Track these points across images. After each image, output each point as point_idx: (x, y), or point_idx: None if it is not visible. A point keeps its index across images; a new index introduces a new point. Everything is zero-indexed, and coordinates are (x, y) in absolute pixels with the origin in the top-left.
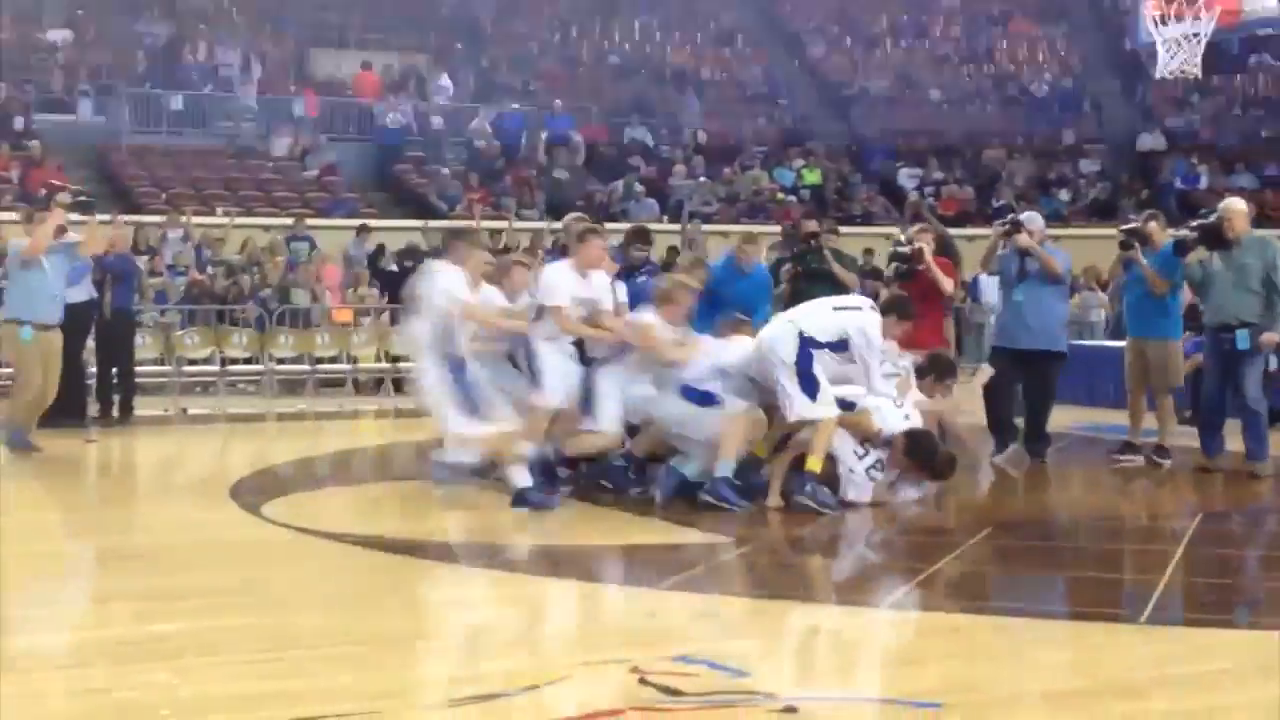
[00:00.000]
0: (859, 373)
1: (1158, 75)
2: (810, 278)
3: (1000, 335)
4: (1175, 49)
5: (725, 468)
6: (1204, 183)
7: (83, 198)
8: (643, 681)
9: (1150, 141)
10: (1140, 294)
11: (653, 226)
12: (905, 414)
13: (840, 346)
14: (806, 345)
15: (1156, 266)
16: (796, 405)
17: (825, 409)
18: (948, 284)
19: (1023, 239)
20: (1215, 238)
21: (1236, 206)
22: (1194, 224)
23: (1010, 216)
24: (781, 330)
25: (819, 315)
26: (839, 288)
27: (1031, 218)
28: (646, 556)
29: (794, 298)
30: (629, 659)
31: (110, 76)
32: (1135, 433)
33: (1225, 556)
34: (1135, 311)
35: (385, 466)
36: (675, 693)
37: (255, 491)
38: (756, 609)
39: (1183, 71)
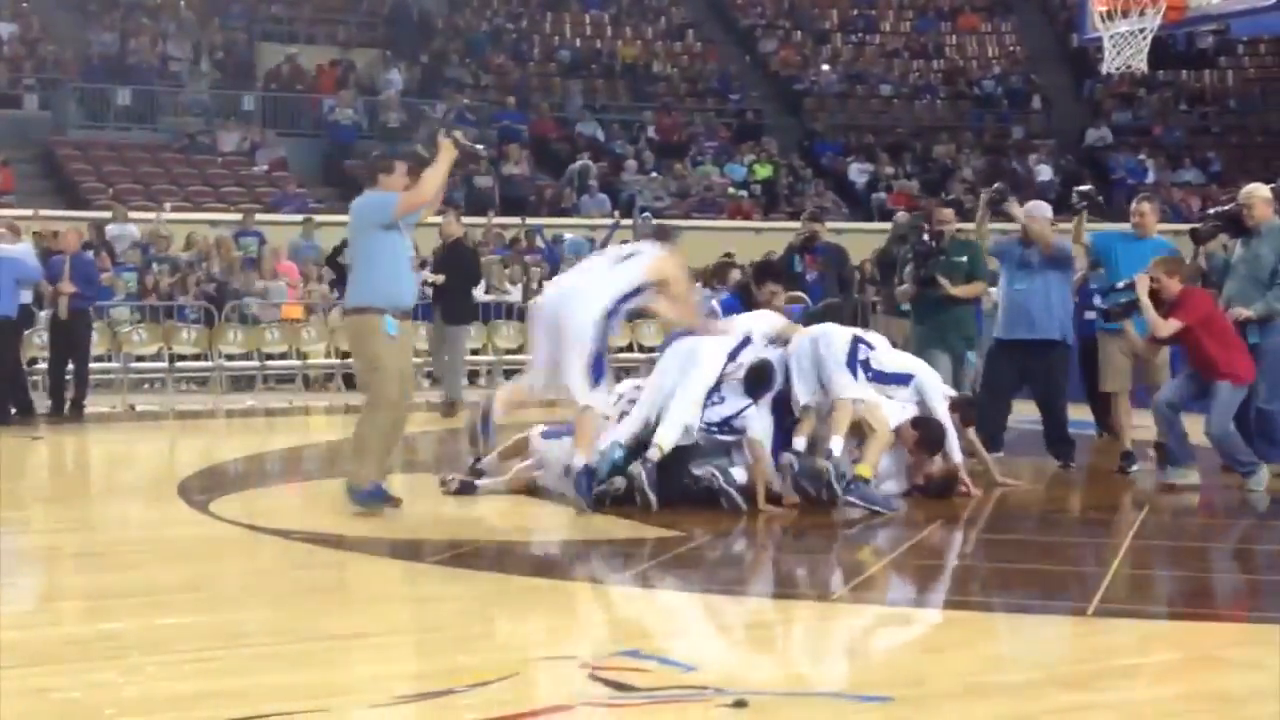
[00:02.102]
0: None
1: (1104, 71)
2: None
3: (1002, 327)
4: (1122, 44)
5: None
6: (1151, 177)
7: None
8: (593, 677)
9: (1098, 136)
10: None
11: (604, 223)
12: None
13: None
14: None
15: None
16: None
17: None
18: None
19: (1014, 209)
20: (1235, 224)
21: (1258, 192)
22: (1213, 210)
23: (998, 185)
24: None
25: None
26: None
27: (1038, 205)
28: (597, 551)
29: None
30: (579, 655)
31: (57, 70)
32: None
33: (1173, 548)
34: None
35: (335, 463)
36: (626, 688)
37: (203, 489)
38: (707, 603)
39: (1129, 67)
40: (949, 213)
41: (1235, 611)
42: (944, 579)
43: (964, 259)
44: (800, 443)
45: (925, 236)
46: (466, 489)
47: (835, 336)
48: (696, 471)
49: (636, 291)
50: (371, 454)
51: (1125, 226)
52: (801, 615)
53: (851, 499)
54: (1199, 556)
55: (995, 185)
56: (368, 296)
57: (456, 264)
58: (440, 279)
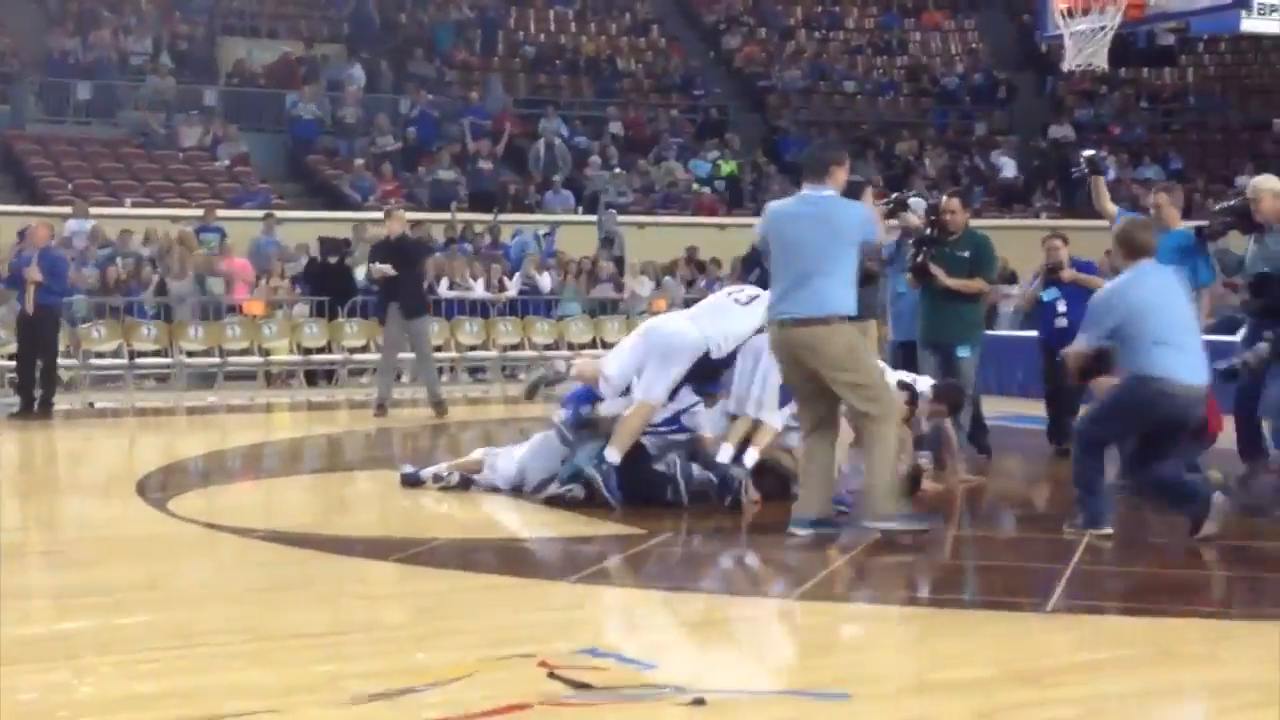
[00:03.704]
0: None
1: (1065, 68)
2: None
3: (896, 329)
4: (1082, 42)
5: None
6: (1111, 174)
7: None
8: (551, 675)
9: (1060, 133)
10: None
11: (568, 218)
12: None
13: None
14: None
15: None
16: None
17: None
18: None
19: (911, 219)
20: (1244, 220)
21: (1265, 184)
22: (1219, 207)
23: (895, 196)
24: None
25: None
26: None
27: (916, 202)
28: (556, 549)
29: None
30: (537, 653)
31: (16, 65)
32: None
33: (1129, 544)
34: None
35: (296, 460)
36: (583, 686)
37: (162, 486)
38: (666, 601)
39: (1089, 65)
40: (955, 202)
41: (1193, 607)
42: (902, 576)
43: (966, 253)
44: (726, 450)
45: (930, 225)
46: (465, 484)
47: None
48: (658, 467)
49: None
50: (889, 473)
51: (1097, 222)
52: (760, 613)
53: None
54: (1157, 552)
55: (893, 196)
56: (839, 305)
57: (405, 257)
58: (390, 270)
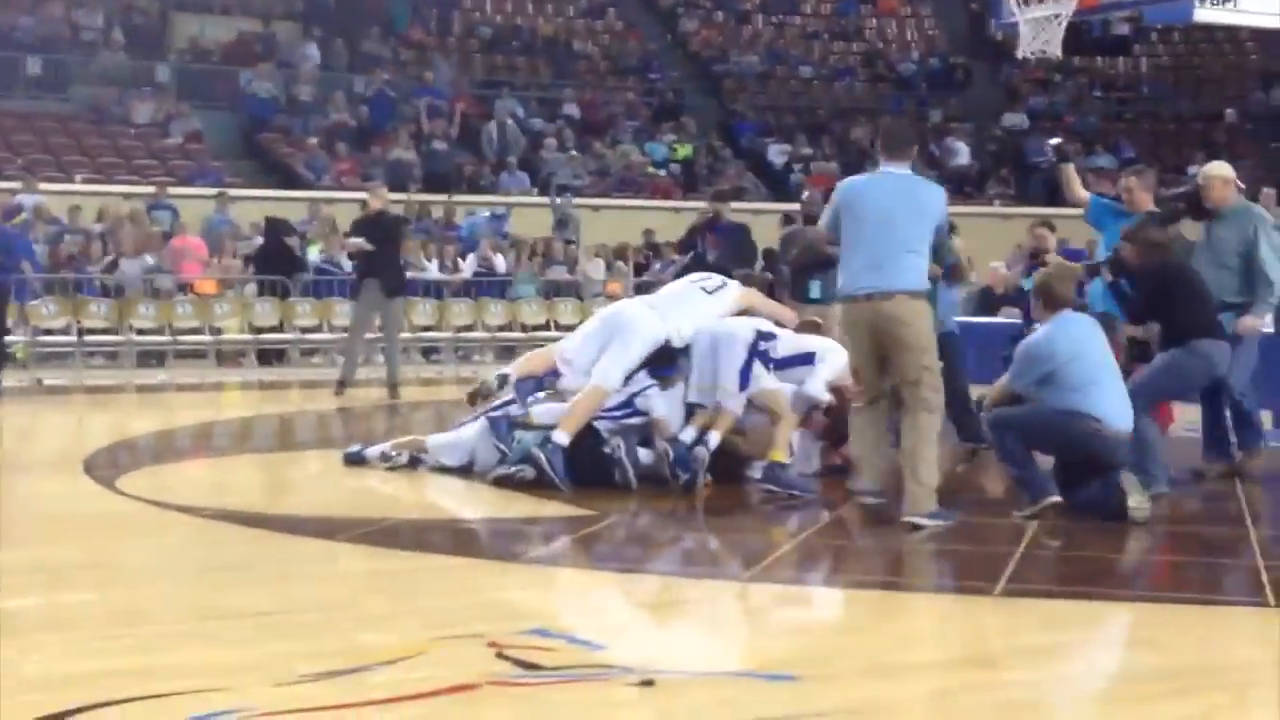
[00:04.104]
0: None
1: (1019, 55)
2: None
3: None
4: (1037, 29)
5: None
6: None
7: None
8: (499, 655)
9: (1014, 121)
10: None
11: (523, 200)
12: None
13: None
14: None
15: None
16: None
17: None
18: None
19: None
20: (1196, 207)
21: (1214, 171)
22: (1172, 193)
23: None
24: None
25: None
26: None
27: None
28: (507, 529)
29: None
30: (486, 633)
31: None
32: None
33: (1079, 529)
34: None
35: (246, 439)
36: (532, 666)
37: (111, 464)
38: (616, 582)
39: (1044, 52)
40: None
41: (1141, 591)
42: (853, 559)
43: None
44: (689, 432)
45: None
46: (414, 464)
47: (736, 340)
48: (604, 449)
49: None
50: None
51: (1049, 210)
52: (710, 595)
53: (767, 485)
54: (1106, 537)
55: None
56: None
57: (386, 234)
58: (366, 244)
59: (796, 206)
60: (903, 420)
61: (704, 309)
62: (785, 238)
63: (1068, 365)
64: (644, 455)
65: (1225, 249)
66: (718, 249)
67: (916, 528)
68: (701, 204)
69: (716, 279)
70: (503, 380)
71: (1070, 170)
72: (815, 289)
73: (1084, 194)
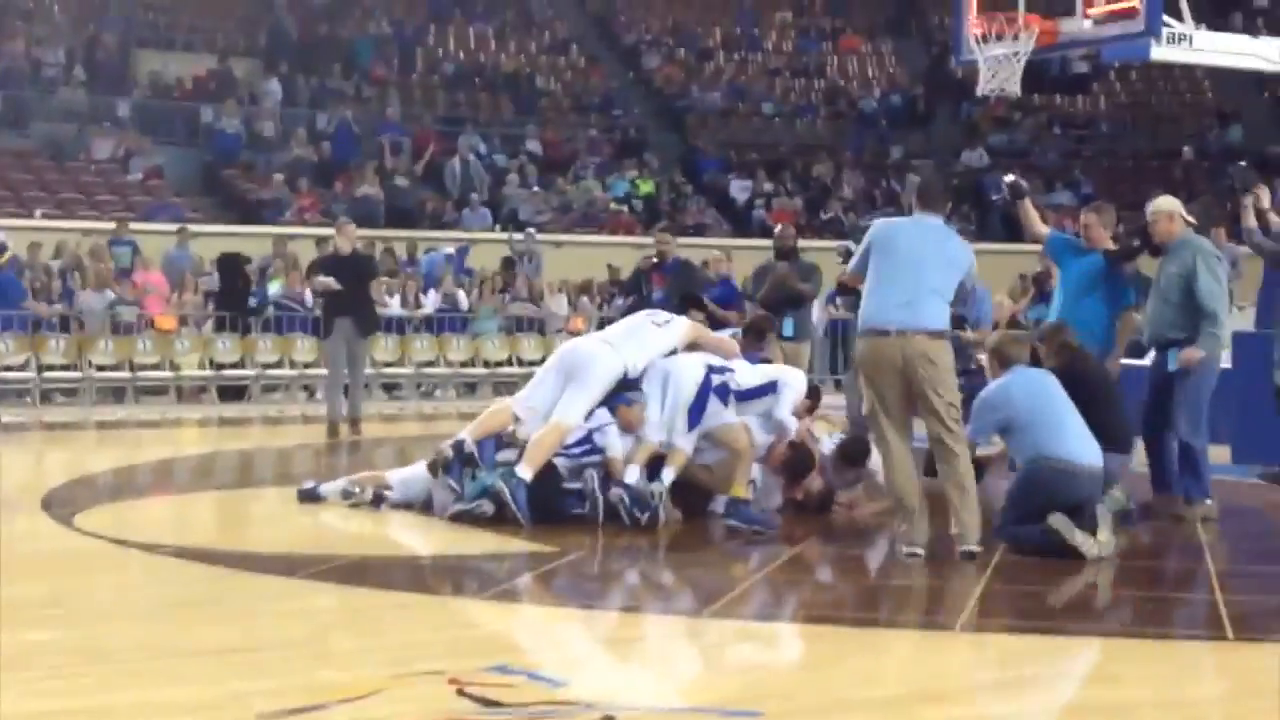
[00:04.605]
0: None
1: (979, 93)
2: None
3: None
4: (996, 68)
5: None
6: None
7: None
8: (460, 693)
9: (974, 158)
10: (1065, 302)
11: (484, 236)
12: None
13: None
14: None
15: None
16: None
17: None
18: None
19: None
20: (1150, 243)
21: (1160, 206)
22: (1127, 231)
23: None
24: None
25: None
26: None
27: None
28: (467, 565)
29: None
30: (446, 670)
31: None
32: None
33: (1041, 564)
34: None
35: (207, 476)
36: (493, 704)
37: (69, 502)
38: (577, 618)
39: (1003, 90)
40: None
41: (1101, 626)
42: (815, 595)
43: None
44: (633, 472)
45: (853, 244)
46: (378, 500)
47: (684, 378)
48: (574, 485)
49: (674, 352)
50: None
51: (1010, 246)
52: (672, 631)
53: (731, 521)
54: (1067, 572)
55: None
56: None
57: (356, 273)
58: (334, 283)
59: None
60: (940, 455)
61: (655, 342)
62: (756, 273)
63: (1029, 410)
64: (613, 490)
65: (1170, 284)
66: (665, 286)
67: (972, 555)
68: (678, 239)
69: (664, 314)
70: (459, 448)
71: (1028, 205)
72: (788, 326)
73: (1043, 229)
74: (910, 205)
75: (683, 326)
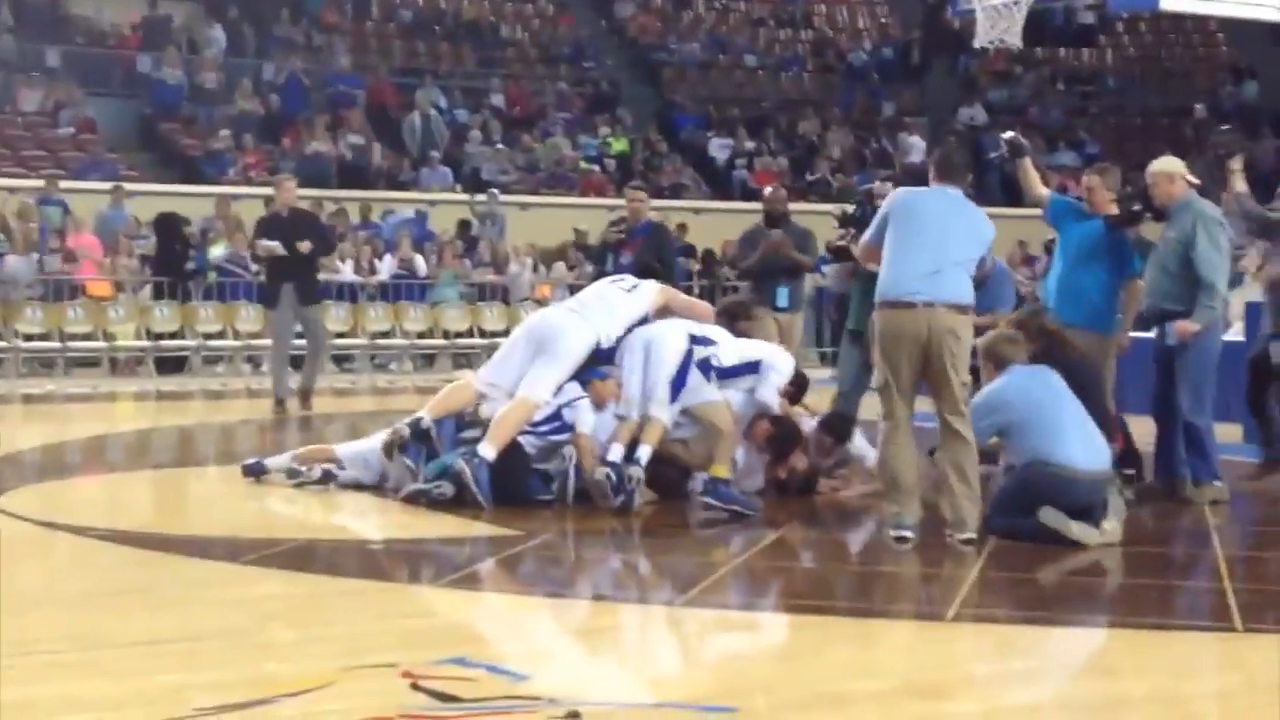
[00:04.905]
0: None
1: (976, 44)
2: None
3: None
4: (995, 18)
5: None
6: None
7: None
8: (415, 687)
9: (972, 115)
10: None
11: (444, 197)
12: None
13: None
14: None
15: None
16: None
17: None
18: None
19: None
20: (1153, 207)
21: (1158, 167)
22: (1129, 194)
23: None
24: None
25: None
26: None
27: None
28: (424, 550)
29: None
30: (399, 662)
31: None
32: None
33: (1037, 550)
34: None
35: (143, 454)
36: (450, 699)
37: None
38: (542, 607)
39: (1003, 41)
40: (887, 187)
41: (1097, 617)
42: (797, 582)
43: None
44: (616, 450)
45: (851, 208)
46: (327, 478)
47: (666, 348)
48: (543, 466)
49: (645, 319)
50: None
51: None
52: (644, 620)
53: (709, 500)
54: (1064, 559)
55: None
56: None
57: (299, 235)
58: (279, 247)
59: (745, 205)
60: (947, 437)
61: (625, 310)
62: (744, 238)
63: (1025, 413)
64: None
65: (1168, 251)
66: (635, 251)
67: (970, 543)
68: (653, 201)
69: (630, 279)
70: (416, 426)
71: (1028, 165)
72: (783, 296)
73: (1043, 191)
74: (929, 176)
75: (651, 291)
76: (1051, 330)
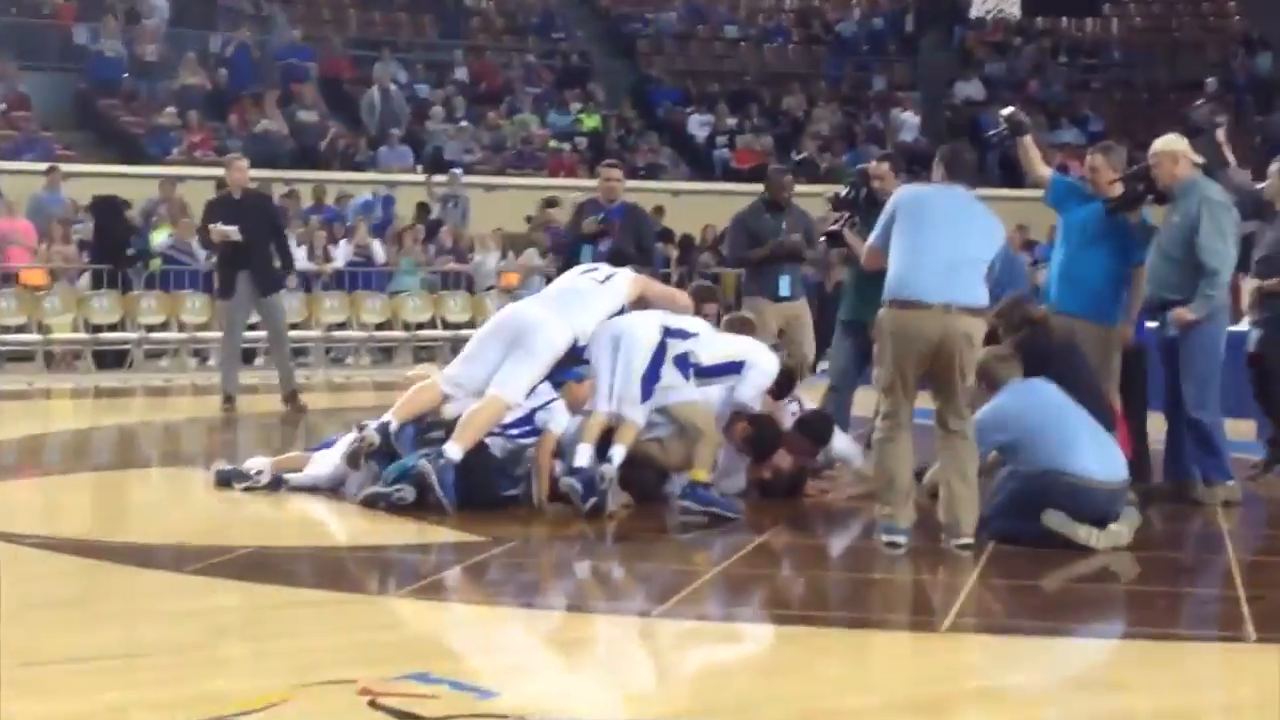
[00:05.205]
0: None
1: (973, 15)
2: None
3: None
4: None
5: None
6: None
7: None
8: (373, 704)
9: (968, 90)
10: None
11: (404, 178)
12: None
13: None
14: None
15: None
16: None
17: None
18: None
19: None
20: (1155, 189)
21: (1161, 146)
22: (1130, 173)
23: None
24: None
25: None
26: None
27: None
28: (384, 558)
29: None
30: (357, 678)
31: None
32: None
33: (1038, 555)
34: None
35: (81, 455)
36: (410, 716)
37: None
38: (510, 619)
39: (1001, 12)
40: (885, 168)
41: (1103, 627)
42: (781, 591)
43: None
44: (584, 452)
45: (845, 190)
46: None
47: (638, 342)
48: (514, 471)
49: (621, 310)
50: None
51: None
52: (619, 633)
53: (687, 503)
54: (1065, 565)
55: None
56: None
57: (253, 218)
58: (234, 232)
59: (728, 185)
60: (948, 441)
61: (600, 303)
62: (738, 222)
63: (1032, 428)
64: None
65: (1170, 236)
66: (614, 237)
67: (968, 548)
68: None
69: (603, 269)
70: (384, 430)
71: (1028, 143)
72: (785, 285)
73: (1045, 171)
74: (938, 174)
75: (626, 281)
76: (1035, 318)
